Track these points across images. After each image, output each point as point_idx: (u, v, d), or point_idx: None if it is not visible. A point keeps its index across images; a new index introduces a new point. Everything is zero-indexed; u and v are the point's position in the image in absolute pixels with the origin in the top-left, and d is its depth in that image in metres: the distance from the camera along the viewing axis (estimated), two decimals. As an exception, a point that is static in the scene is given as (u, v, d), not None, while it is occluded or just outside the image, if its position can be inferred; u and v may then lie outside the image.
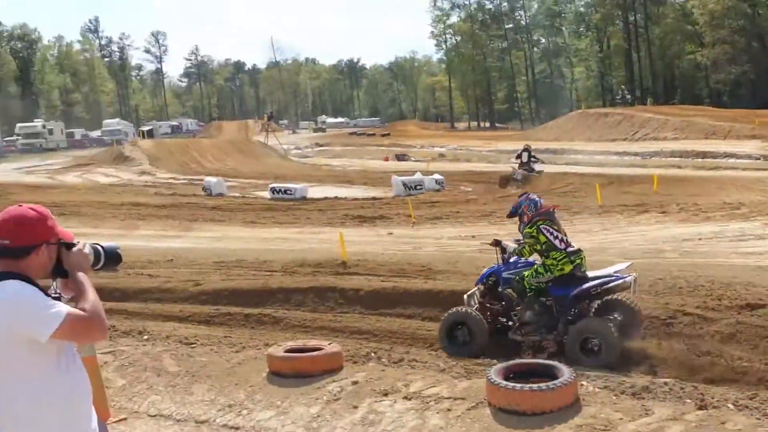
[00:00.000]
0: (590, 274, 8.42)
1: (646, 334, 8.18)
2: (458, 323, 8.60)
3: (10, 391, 2.85)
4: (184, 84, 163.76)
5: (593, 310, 8.41)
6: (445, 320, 8.74)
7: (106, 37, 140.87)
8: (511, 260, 8.84)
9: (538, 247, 8.46)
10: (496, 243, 9.09)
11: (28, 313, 2.82)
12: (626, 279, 8.25)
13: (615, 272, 8.41)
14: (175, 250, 15.62)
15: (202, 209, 23.85)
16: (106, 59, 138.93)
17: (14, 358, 2.85)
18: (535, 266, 8.52)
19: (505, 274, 8.80)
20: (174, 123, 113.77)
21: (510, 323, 8.71)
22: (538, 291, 8.46)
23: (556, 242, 8.38)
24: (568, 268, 8.32)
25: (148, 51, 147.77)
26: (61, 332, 2.83)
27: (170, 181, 37.77)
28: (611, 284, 8.25)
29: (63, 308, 2.87)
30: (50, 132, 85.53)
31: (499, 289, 8.87)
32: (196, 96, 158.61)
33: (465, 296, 9.07)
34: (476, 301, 8.96)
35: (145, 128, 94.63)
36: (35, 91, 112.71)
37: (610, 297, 8.36)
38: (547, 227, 8.42)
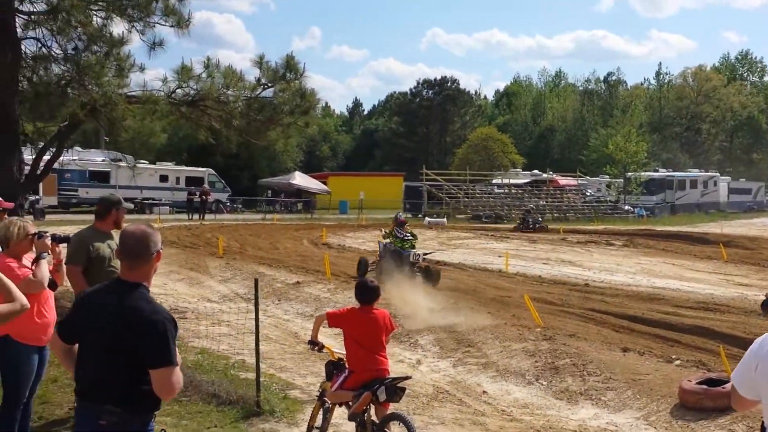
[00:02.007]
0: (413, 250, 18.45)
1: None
2: (361, 263, 19.35)
3: None
4: None
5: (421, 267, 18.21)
6: (358, 262, 19.70)
7: None
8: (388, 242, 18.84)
9: (393, 235, 18.72)
10: (384, 235, 19.30)
11: None
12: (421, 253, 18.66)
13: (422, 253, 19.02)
14: None
15: None
16: None
17: None
18: (393, 241, 18.67)
19: (387, 245, 18.83)
20: None
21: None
22: (394, 252, 18.38)
23: (397, 233, 18.62)
24: (398, 244, 18.47)
25: None
26: None
27: None
28: (421, 253, 18.71)
29: None
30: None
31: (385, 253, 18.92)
32: None
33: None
34: (377, 257, 19.43)
35: None
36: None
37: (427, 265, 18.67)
38: (398, 228, 18.81)
